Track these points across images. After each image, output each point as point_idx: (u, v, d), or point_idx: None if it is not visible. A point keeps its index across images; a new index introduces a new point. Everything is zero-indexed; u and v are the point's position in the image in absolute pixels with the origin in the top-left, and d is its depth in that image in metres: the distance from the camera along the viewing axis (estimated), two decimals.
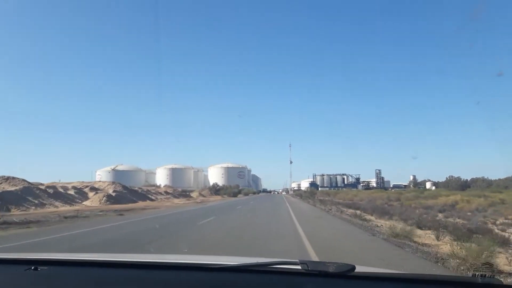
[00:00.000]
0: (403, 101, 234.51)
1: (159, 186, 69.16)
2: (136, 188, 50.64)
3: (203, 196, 70.89)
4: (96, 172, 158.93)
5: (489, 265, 6.74)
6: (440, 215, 23.65)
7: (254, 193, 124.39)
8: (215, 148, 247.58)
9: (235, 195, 76.47)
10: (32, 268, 1.95)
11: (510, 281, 4.64)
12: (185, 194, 62.65)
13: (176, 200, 43.22)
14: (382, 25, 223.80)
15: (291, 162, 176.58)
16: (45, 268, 1.98)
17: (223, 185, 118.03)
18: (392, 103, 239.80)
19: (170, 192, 61.09)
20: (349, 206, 28.00)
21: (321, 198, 67.16)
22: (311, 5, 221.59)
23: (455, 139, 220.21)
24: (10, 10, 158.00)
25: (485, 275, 1.69)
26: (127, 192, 43.29)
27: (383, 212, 22.32)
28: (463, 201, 31.75)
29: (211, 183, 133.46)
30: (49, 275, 1.95)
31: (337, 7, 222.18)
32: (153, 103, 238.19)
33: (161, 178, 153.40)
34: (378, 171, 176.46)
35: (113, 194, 38.69)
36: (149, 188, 55.59)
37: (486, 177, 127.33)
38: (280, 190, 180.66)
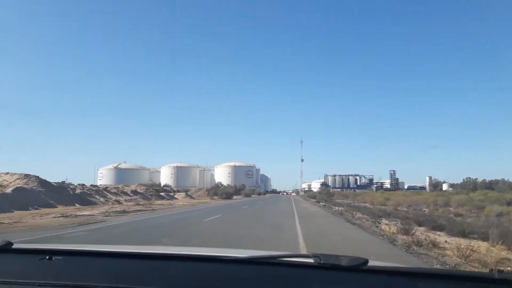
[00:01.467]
0: (416, 100, 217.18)
1: (106, 187, 49.46)
2: (67, 186, 34.99)
3: (191, 197, 55.32)
4: (98, 170, 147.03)
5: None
6: None
7: (259, 193, 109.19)
8: (223, 146, 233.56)
9: (229, 196, 59.53)
10: (47, 257, 1.92)
11: None
12: (160, 194, 46.38)
13: (106, 207, 26.36)
14: (394, 23, 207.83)
15: (302, 160, 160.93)
16: (60, 258, 1.96)
17: (228, 185, 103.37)
18: (406, 101, 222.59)
19: (141, 191, 45.57)
20: (436, 227, 12.80)
21: (340, 201, 51.93)
22: (323, 3, 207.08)
23: (469, 140, 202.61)
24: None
25: (502, 270, 1.61)
26: (45, 191, 28.15)
27: None
28: None
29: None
30: (63, 265, 1.92)
31: (348, 6, 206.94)
32: (161, 100, 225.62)
33: (166, 177, 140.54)
34: (392, 171, 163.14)
35: (11, 192, 24.58)
36: (103, 187, 40.32)
37: (506, 179, 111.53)
38: (290, 191, 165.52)
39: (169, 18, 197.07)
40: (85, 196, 32.18)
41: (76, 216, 19.15)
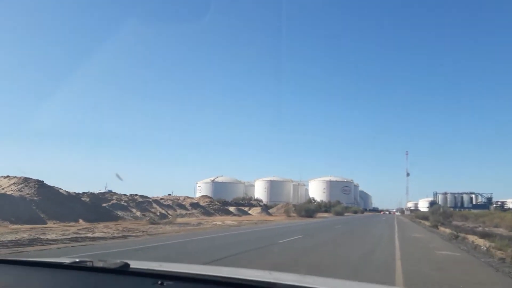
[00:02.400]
0: None
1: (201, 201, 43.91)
2: (110, 194, 30.32)
3: (268, 213, 46.49)
4: (196, 183, 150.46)
5: None
6: None
7: (355, 212, 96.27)
8: (319, 160, 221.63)
9: (310, 214, 48.19)
10: (159, 282, 1.86)
11: None
12: (226, 209, 38.41)
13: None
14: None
15: (407, 174, 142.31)
16: (171, 283, 1.89)
17: (322, 201, 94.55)
18: None
19: (203, 205, 38.18)
20: None
21: (459, 223, 40.20)
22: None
23: None
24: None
25: None
26: (40, 200, 22.15)
27: None
28: None
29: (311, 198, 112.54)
30: None
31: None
32: (262, 115, 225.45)
33: (259, 191, 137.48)
34: None
35: None
36: (156, 198, 34.52)
37: None
38: (394, 210, 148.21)
39: (275, 46, 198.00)
40: (113, 208, 26.86)
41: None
